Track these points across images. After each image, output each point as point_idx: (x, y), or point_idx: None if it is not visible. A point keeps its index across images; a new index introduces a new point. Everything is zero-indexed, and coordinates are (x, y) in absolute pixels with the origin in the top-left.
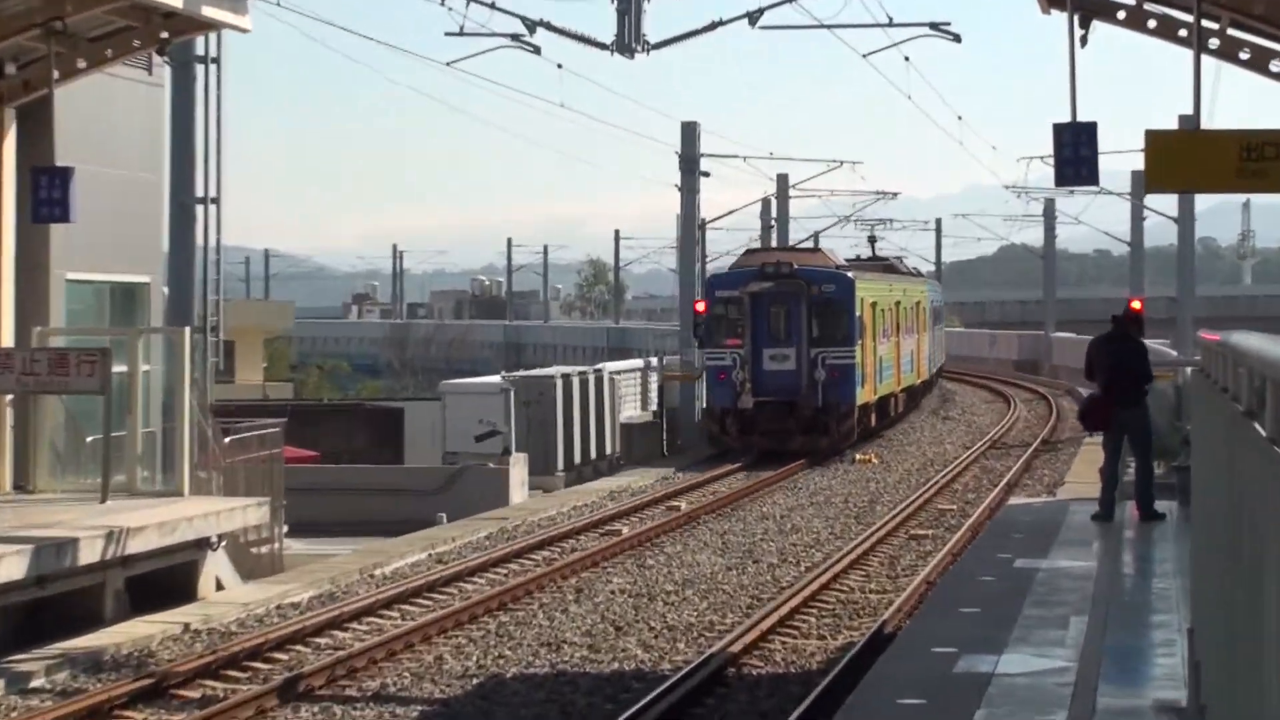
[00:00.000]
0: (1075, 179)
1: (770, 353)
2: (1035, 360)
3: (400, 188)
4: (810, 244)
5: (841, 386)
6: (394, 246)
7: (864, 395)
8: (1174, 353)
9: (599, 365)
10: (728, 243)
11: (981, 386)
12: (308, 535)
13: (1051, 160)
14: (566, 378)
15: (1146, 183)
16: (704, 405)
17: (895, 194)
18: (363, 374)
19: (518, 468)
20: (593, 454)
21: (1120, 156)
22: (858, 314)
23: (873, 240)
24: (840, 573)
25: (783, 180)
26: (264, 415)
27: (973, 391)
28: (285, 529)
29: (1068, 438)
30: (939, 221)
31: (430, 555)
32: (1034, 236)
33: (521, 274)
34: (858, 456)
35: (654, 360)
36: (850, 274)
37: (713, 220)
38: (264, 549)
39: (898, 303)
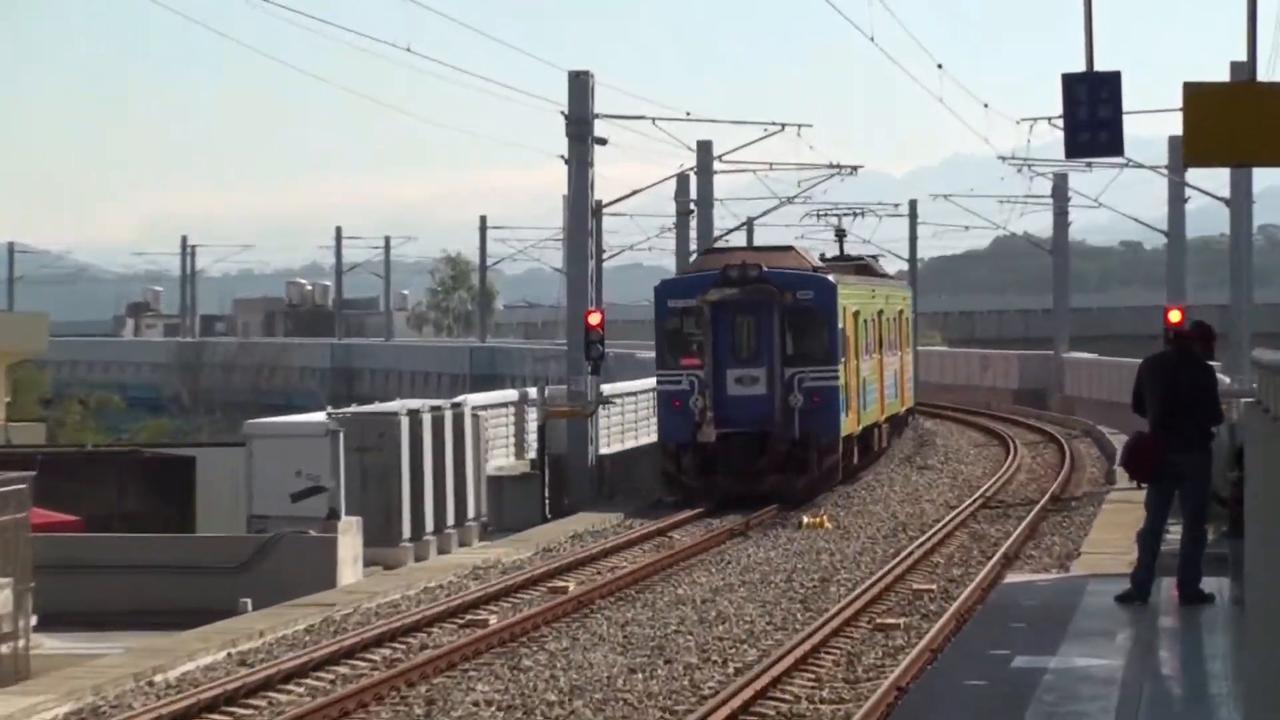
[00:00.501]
0: (1093, 147)
1: (736, 374)
2: (1042, 389)
3: (192, 162)
4: (743, 232)
5: (823, 414)
6: (183, 240)
7: (848, 425)
8: (1226, 379)
9: (460, 398)
10: (632, 232)
11: (970, 424)
12: (65, 629)
13: (1061, 123)
14: (415, 415)
15: (1186, 153)
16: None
17: (855, 168)
18: (141, 410)
19: (349, 536)
20: (450, 517)
21: (1153, 118)
22: (840, 325)
23: (841, 234)
24: (781, 676)
25: (705, 149)
26: (5, 467)
27: (959, 431)
28: (34, 620)
29: (1085, 493)
30: (913, 204)
31: (230, 655)
32: (1040, 224)
33: (355, 275)
34: (805, 519)
35: (533, 391)
36: (831, 277)
37: (611, 203)
38: (5, 647)
39: (880, 312)
